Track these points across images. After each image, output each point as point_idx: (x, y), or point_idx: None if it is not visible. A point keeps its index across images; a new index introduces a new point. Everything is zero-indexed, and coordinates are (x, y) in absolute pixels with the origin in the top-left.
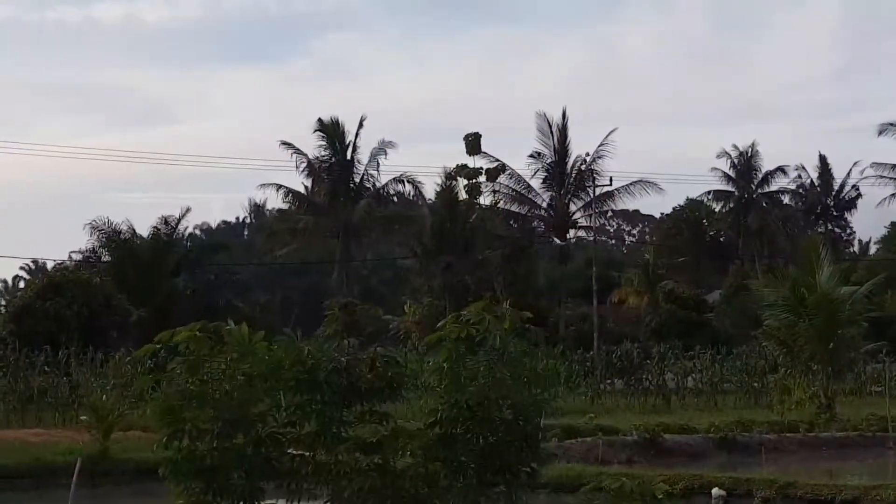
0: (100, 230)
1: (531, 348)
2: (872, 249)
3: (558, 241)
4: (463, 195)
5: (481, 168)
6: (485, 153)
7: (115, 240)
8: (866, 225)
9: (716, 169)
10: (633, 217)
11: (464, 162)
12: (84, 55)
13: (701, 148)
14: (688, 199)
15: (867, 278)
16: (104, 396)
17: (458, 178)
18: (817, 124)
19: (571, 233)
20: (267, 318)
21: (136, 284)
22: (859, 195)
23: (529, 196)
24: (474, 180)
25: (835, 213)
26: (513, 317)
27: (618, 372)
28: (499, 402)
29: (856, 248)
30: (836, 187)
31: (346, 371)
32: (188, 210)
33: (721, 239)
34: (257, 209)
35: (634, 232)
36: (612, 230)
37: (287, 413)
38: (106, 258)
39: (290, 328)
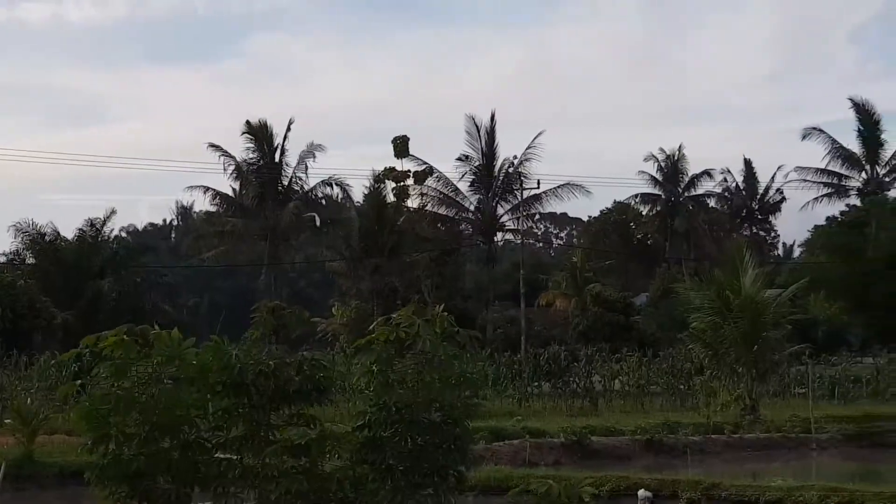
0: (24, 232)
1: (460, 351)
2: (796, 252)
3: (486, 244)
4: (391, 198)
5: (409, 171)
6: (413, 156)
7: (39, 242)
8: (790, 228)
9: (643, 172)
10: (561, 220)
11: (392, 165)
12: (10, 56)
13: (628, 151)
14: (615, 202)
15: (791, 281)
16: (29, 400)
17: (387, 180)
18: (743, 128)
19: (499, 236)
20: (194, 322)
21: (61, 287)
22: (783, 199)
23: (457, 199)
24: (402, 183)
25: (759, 217)
26: (442, 320)
27: (545, 374)
28: (427, 405)
29: (780, 251)
30: (760, 191)
31: (273, 374)
32: (113, 212)
33: (648, 242)
34: (184, 211)
35: (562, 235)
36: (539, 233)
37: (214, 417)
38: (30, 261)
39: (217, 332)
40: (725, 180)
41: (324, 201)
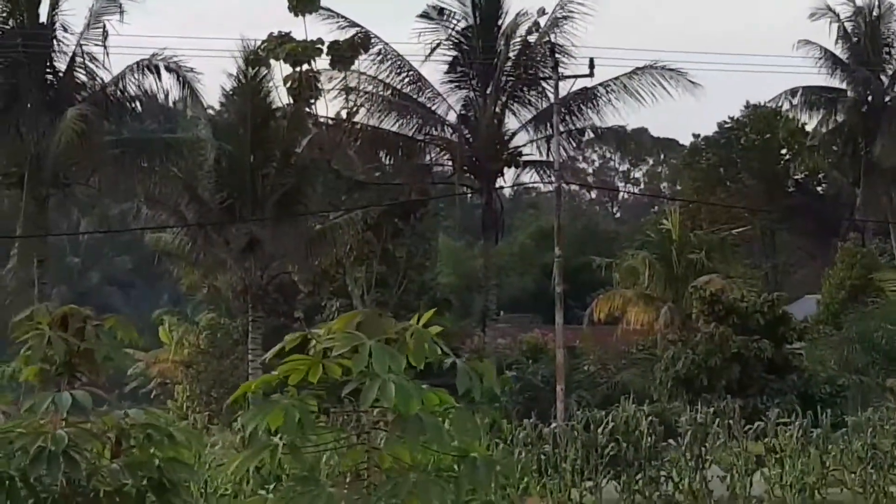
0: None
1: (461, 408)
2: None
3: (482, 194)
4: (283, 99)
5: (320, 41)
6: (328, 11)
7: None
8: None
9: (808, 43)
10: (639, 144)
11: (285, 28)
12: None
13: (772, 5)
14: (749, 105)
15: None
16: None
17: (274, 60)
18: None
19: (508, 176)
20: None
21: None
22: None
23: (421, 100)
24: (306, 67)
25: None
26: (421, 339)
27: (609, 464)
28: None
29: None
30: None
31: (66, 457)
32: None
33: (818, 188)
34: None
35: (638, 175)
36: (592, 169)
37: None
38: None
39: None
40: None
41: (140, 105)
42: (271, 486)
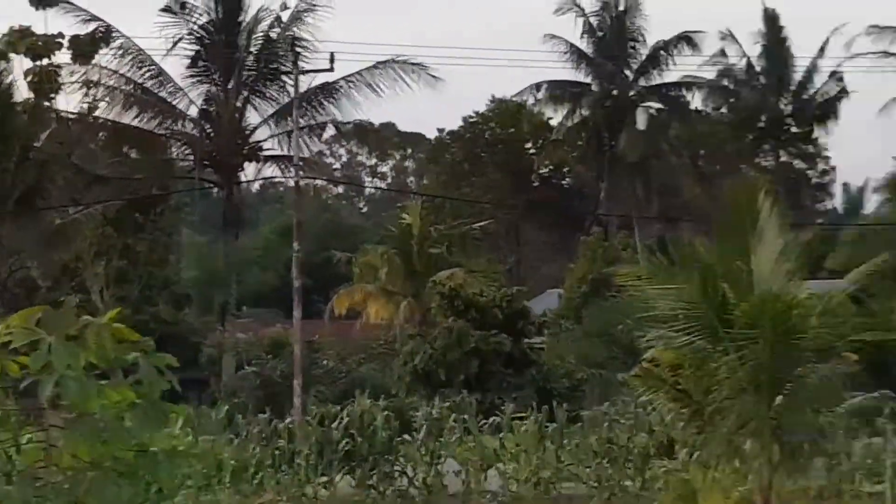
0: None
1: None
2: (870, 203)
3: (222, 189)
4: (24, 93)
5: (60, 35)
6: (70, 4)
7: None
8: (857, 154)
9: (553, 38)
10: (386, 138)
11: (24, 23)
12: None
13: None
14: (494, 99)
15: (856, 262)
16: None
17: (13, 54)
18: None
19: (249, 170)
20: None
21: None
22: (843, 94)
23: (162, 94)
24: (47, 61)
25: (794, 130)
26: (102, 335)
27: (343, 459)
28: None
29: (835, 199)
30: (797, 77)
31: None
32: None
33: (563, 183)
34: None
35: (386, 170)
36: (340, 164)
37: None
38: None
39: None
40: (724, 54)
41: None
42: None
